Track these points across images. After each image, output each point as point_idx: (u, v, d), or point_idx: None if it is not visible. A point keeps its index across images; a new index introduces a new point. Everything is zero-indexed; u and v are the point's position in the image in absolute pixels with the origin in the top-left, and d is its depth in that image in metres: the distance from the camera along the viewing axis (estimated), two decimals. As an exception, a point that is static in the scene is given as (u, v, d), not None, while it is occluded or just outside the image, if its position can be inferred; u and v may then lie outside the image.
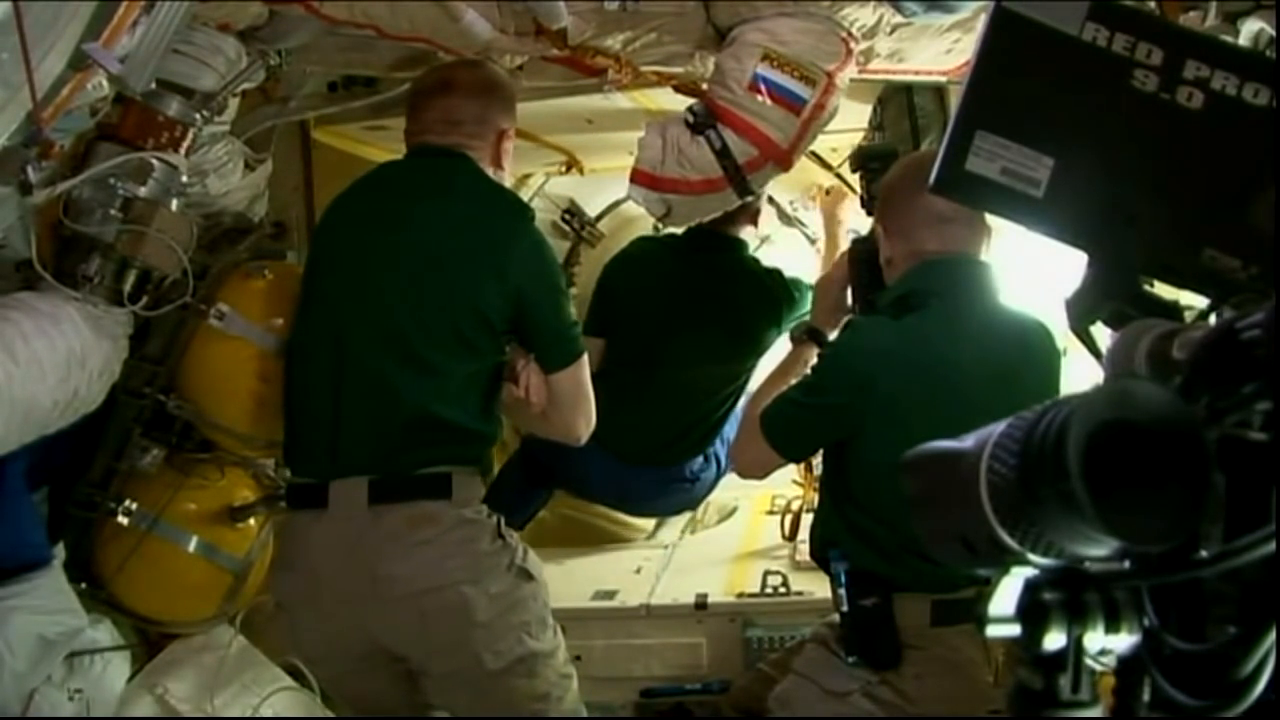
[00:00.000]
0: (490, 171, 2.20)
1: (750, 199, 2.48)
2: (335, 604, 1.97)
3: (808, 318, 3.13)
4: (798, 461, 2.19)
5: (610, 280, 3.23)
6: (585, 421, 2.19)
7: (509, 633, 1.98)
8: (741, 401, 3.06)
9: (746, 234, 3.17)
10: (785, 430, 1.95)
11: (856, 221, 3.01)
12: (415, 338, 1.99)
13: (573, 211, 4.00)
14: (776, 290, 3.11)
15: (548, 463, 3.06)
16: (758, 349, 3.10)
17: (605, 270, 3.28)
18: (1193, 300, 0.91)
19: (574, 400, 2.15)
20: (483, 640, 1.95)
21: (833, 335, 2.14)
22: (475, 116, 2.17)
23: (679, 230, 3.21)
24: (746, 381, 3.14)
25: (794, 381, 2.06)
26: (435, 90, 2.19)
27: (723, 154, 2.28)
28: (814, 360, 2.09)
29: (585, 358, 2.16)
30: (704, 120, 2.28)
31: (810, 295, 3.04)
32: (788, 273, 3.21)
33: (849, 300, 2.16)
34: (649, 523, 3.43)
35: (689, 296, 3.08)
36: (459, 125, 2.16)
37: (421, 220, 2.07)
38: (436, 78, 2.23)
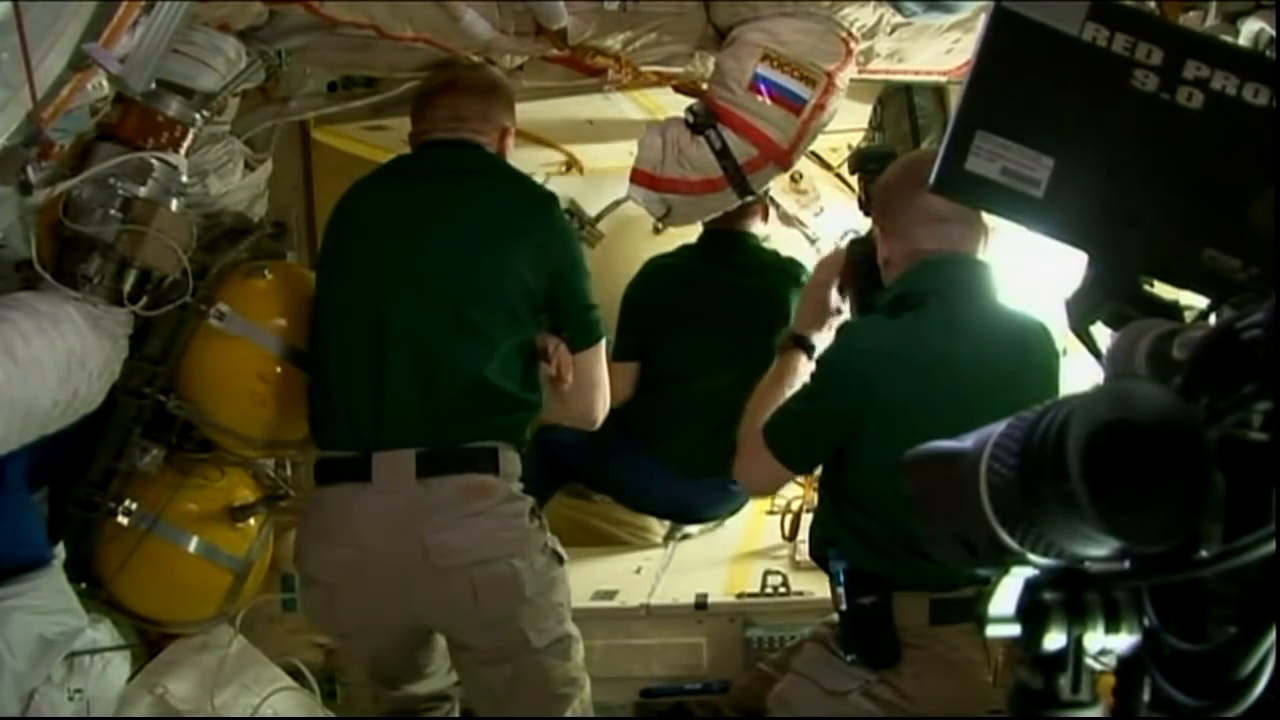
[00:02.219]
0: None
1: (750, 199, 2.49)
2: (381, 577, 1.98)
3: None
4: (806, 472, 2.15)
5: (639, 301, 3.24)
6: (603, 404, 2.26)
7: (550, 611, 2.03)
8: None
9: (758, 229, 3.25)
10: (791, 441, 1.93)
11: (856, 222, 3.01)
12: (467, 309, 2.04)
13: (573, 211, 3.99)
14: (794, 272, 3.19)
15: (589, 470, 3.14)
16: None
17: (630, 293, 3.29)
18: (1193, 300, 0.91)
19: (595, 381, 2.22)
20: (528, 616, 1.99)
21: (816, 339, 2.12)
22: (480, 114, 2.24)
23: (692, 239, 3.30)
24: None
25: (788, 391, 2.04)
26: (441, 90, 2.26)
27: (723, 154, 2.28)
28: (801, 368, 2.07)
29: (604, 342, 2.23)
30: (704, 120, 2.28)
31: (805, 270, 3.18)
32: None
33: (833, 305, 2.15)
34: (655, 527, 3.42)
35: (724, 300, 3.13)
36: (466, 121, 2.23)
37: (457, 200, 2.15)
38: (441, 79, 2.29)
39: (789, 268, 3.23)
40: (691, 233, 3.30)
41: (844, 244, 2.34)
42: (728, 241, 3.18)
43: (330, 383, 2.11)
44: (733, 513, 3.31)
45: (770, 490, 2.11)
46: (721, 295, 3.14)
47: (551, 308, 2.15)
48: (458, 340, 2.03)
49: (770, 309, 3.09)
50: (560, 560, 2.08)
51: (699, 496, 3.15)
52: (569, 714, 2.07)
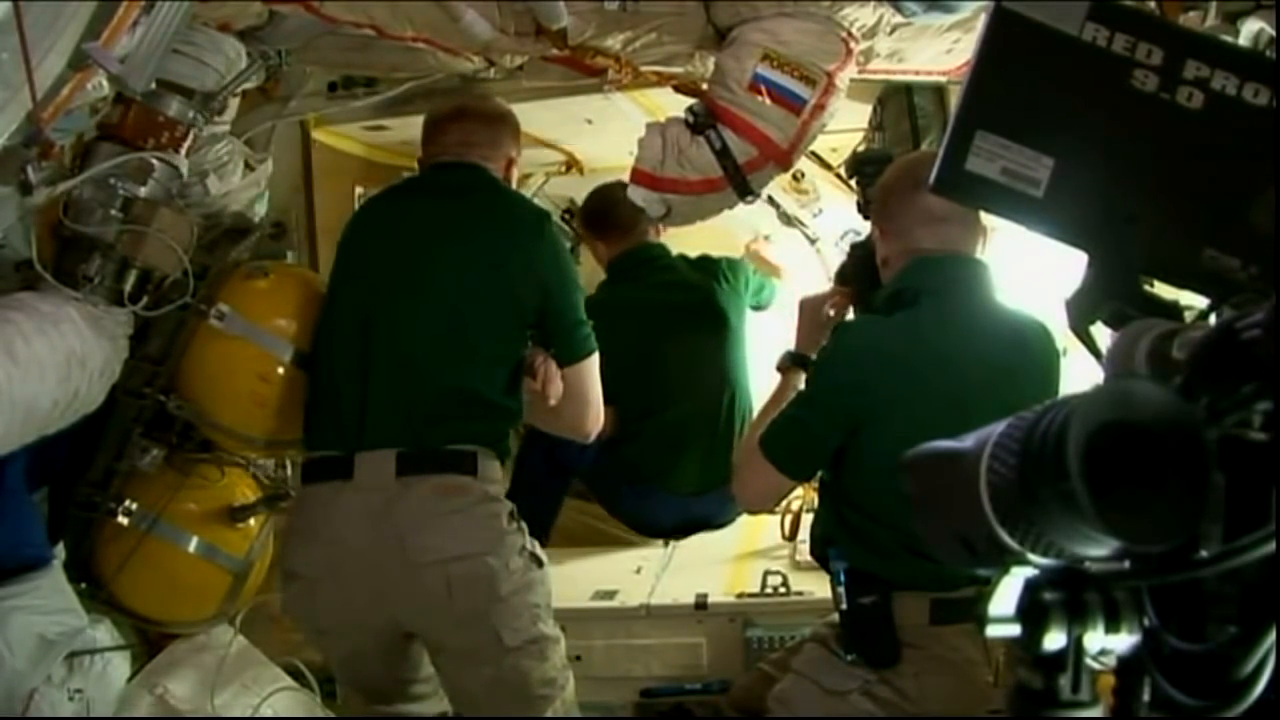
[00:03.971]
0: None
1: (750, 199, 2.49)
2: (359, 573, 2.01)
3: (765, 296, 3.34)
4: (805, 480, 2.12)
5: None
6: (595, 417, 2.30)
7: (524, 611, 2.04)
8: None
9: (654, 238, 3.28)
10: (789, 447, 1.90)
11: (857, 222, 3.02)
12: (452, 317, 2.10)
13: (573, 212, 4.00)
14: (711, 268, 3.28)
15: (603, 498, 3.25)
16: (739, 332, 3.24)
17: None
18: (1193, 300, 0.91)
19: (585, 394, 2.25)
20: (501, 615, 2.01)
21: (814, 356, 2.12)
22: (488, 141, 2.30)
23: (688, 240, 3.33)
24: (744, 369, 3.26)
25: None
26: (451, 117, 2.33)
27: (723, 154, 2.28)
28: (802, 386, 2.07)
29: (596, 357, 2.26)
30: (704, 120, 2.28)
31: (743, 264, 3.32)
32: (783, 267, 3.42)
33: (827, 324, 2.15)
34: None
35: (658, 319, 3.16)
36: (474, 147, 2.29)
37: (452, 215, 2.20)
38: (451, 107, 2.36)
39: (706, 264, 3.29)
40: (687, 233, 3.30)
41: (844, 244, 2.35)
42: (638, 258, 3.23)
43: (322, 387, 2.18)
44: (739, 515, 3.32)
45: (768, 505, 2.12)
46: (652, 314, 3.16)
47: (541, 323, 2.18)
48: (440, 347, 2.08)
49: (703, 310, 3.19)
50: (539, 563, 2.10)
51: (703, 513, 3.21)
52: (549, 714, 2.07)
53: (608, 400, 3.11)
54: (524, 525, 2.11)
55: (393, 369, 2.07)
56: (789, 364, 2.14)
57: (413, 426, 2.04)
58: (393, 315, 2.11)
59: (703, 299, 3.20)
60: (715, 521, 3.24)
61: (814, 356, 2.10)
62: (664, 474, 3.13)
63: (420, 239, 2.18)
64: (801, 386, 2.05)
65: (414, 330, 2.10)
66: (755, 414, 2.09)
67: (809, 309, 2.21)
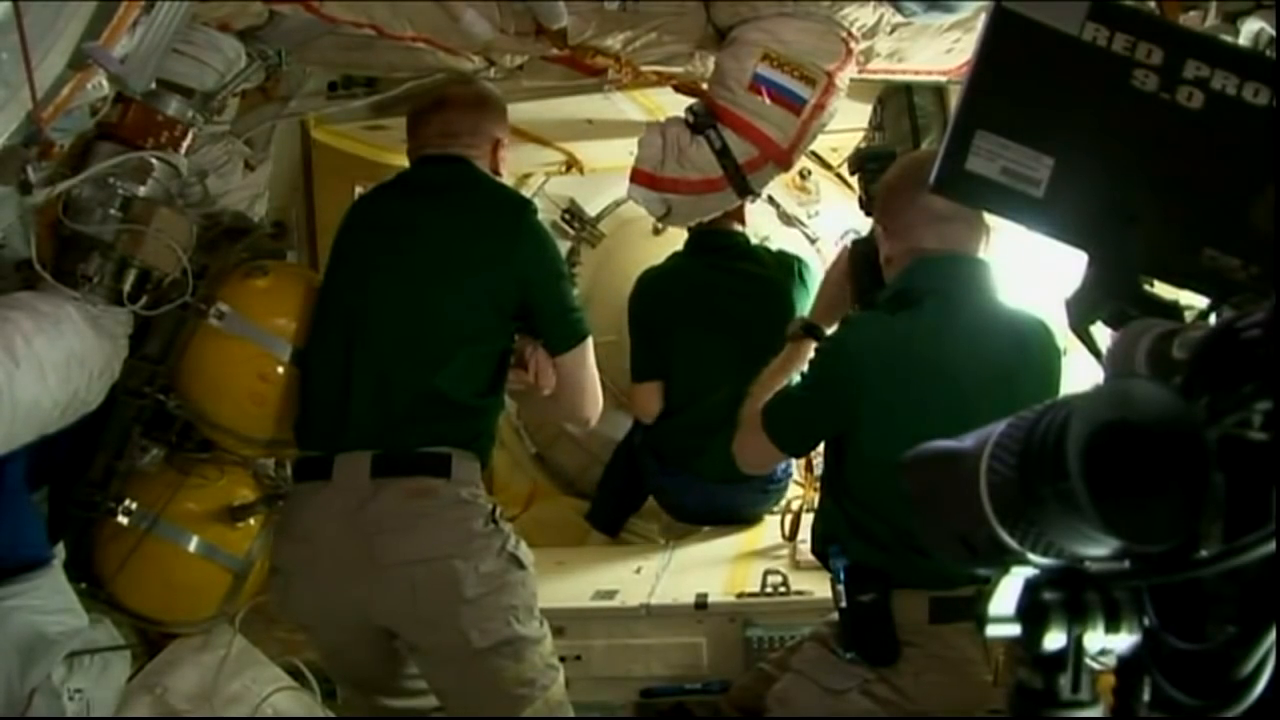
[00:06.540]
0: None
1: (750, 199, 2.49)
2: (330, 571, 2.04)
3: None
4: (798, 456, 2.19)
5: (643, 318, 3.29)
6: (592, 403, 2.29)
7: (497, 613, 2.03)
8: None
9: (738, 227, 3.28)
10: (785, 425, 1.98)
11: (856, 222, 3.02)
12: (425, 320, 2.10)
13: (573, 211, 4.01)
14: (791, 264, 3.26)
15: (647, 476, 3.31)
16: None
17: (636, 310, 3.32)
18: (1193, 300, 0.91)
19: (580, 382, 2.24)
20: (470, 617, 2.00)
21: (829, 330, 2.14)
22: (470, 128, 2.28)
23: (679, 246, 3.35)
24: None
25: (794, 377, 2.07)
26: (431, 108, 2.31)
27: (723, 154, 2.28)
28: (810, 356, 2.09)
29: (589, 341, 2.24)
30: (704, 120, 2.29)
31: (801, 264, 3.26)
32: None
33: (847, 297, 2.16)
34: (655, 526, 3.44)
35: (725, 301, 3.17)
36: (456, 137, 2.27)
37: (430, 214, 2.20)
38: (431, 98, 2.35)
39: (786, 261, 3.26)
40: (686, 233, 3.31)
41: (845, 243, 2.35)
42: (717, 241, 3.21)
43: (309, 387, 2.20)
44: (771, 508, 3.33)
45: (761, 469, 2.18)
46: (721, 297, 3.17)
47: (526, 314, 2.17)
48: (412, 349, 2.09)
49: (771, 303, 3.14)
50: (520, 565, 2.09)
51: (740, 499, 3.22)
52: (528, 714, 2.07)
53: (658, 375, 3.15)
54: (504, 526, 2.10)
55: (369, 371, 2.09)
56: (801, 332, 2.15)
57: (388, 429, 2.06)
58: (370, 316, 2.13)
59: (777, 292, 3.17)
60: (744, 514, 3.26)
61: (826, 330, 2.13)
62: (694, 458, 3.13)
63: (398, 238, 2.18)
64: (809, 355, 2.09)
65: (388, 332, 2.10)
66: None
67: (825, 285, 2.22)
